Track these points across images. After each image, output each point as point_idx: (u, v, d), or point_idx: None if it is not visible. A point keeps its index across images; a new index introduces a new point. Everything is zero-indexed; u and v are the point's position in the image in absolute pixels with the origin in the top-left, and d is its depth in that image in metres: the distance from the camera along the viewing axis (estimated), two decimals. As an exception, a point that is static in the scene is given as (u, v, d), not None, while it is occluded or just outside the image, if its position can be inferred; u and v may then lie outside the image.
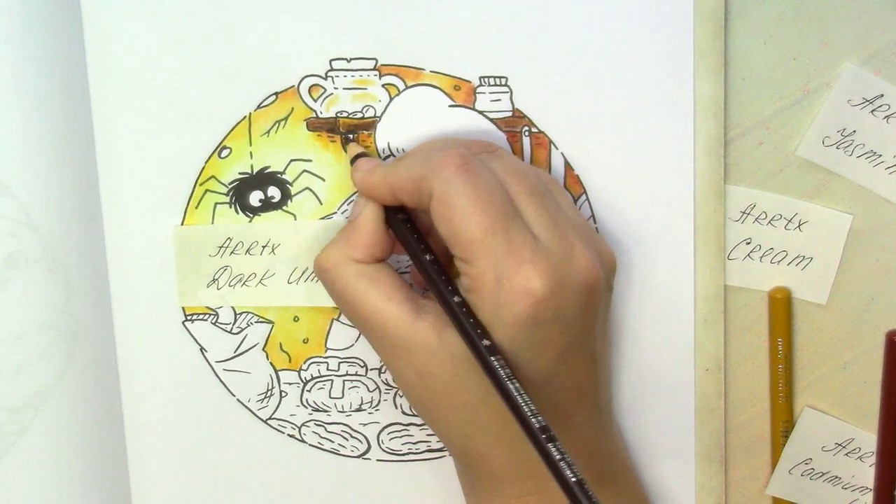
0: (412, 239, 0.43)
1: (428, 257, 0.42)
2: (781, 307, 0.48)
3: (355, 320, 0.44)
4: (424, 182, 0.41)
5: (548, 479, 0.38)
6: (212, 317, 0.48)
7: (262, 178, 0.47)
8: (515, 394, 0.39)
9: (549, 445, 0.38)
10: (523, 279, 0.39)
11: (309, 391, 0.49)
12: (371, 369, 0.49)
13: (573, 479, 0.37)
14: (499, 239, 0.40)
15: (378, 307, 0.42)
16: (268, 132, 0.46)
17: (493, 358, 0.39)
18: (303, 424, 0.49)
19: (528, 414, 0.38)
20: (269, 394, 0.49)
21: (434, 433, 0.45)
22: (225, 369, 0.49)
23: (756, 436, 0.50)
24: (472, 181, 0.40)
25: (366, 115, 0.46)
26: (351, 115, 0.46)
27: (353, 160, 0.45)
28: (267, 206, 0.47)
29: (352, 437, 0.49)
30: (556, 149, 0.46)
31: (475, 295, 0.40)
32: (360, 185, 0.44)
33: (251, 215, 0.47)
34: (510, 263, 0.39)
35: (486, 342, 0.40)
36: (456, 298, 0.41)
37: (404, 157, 0.44)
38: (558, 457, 0.37)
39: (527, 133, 0.46)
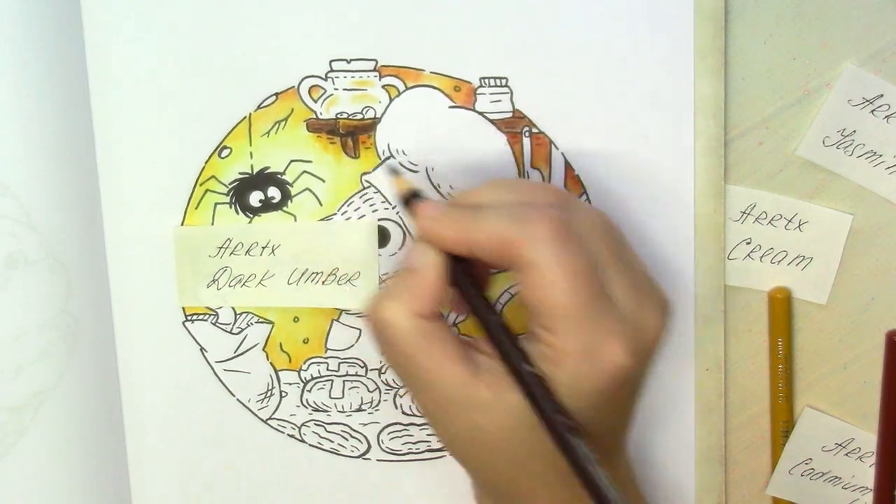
0: (479, 301, 0.41)
1: (498, 321, 0.40)
2: (781, 307, 0.48)
3: (406, 376, 0.41)
4: (514, 247, 0.38)
5: None
6: (212, 317, 0.48)
7: (263, 179, 0.47)
8: (603, 482, 0.37)
9: None
10: (610, 353, 0.38)
11: (309, 391, 0.49)
12: (371, 369, 0.49)
13: None
14: (590, 314, 0.38)
15: (434, 367, 0.40)
16: (268, 132, 0.46)
17: (575, 439, 0.38)
18: (303, 424, 0.49)
19: (616, 499, 0.37)
20: (269, 394, 0.49)
21: (470, 475, 0.43)
22: (225, 369, 0.49)
23: (756, 436, 0.50)
24: (568, 250, 0.38)
25: (366, 116, 0.46)
26: (351, 116, 0.46)
27: (408, 200, 0.42)
28: (267, 206, 0.47)
29: (352, 437, 0.49)
30: (557, 149, 0.46)
31: (552, 364, 0.39)
32: (429, 234, 0.41)
33: (251, 216, 0.47)
34: (598, 338, 0.38)
35: (560, 417, 0.38)
36: (529, 368, 0.39)
37: (480, 210, 0.40)
38: None
39: (527, 133, 0.46)
